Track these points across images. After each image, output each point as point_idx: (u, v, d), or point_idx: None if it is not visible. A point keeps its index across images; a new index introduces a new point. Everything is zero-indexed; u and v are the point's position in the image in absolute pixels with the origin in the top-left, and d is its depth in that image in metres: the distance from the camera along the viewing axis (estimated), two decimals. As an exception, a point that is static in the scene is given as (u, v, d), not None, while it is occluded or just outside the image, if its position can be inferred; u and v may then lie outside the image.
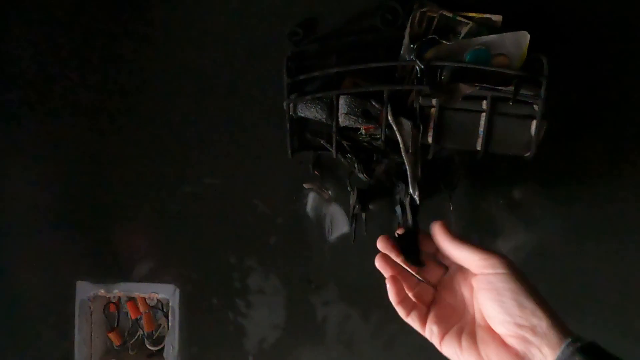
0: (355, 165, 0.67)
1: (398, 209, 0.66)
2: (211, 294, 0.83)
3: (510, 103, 0.62)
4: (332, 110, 0.67)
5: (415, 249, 0.45)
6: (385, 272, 0.45)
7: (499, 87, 0.62)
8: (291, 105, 0.69)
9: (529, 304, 0.36)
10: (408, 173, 0.65)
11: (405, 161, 0.65)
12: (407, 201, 0.67)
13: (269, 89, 0.76)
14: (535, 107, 0.63)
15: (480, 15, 0.66)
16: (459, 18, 0.66)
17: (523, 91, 0.62)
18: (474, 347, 0.38)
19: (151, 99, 0.80)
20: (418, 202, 0.67)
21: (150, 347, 0.90)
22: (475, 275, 0.40)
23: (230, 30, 0.77)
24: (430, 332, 0.42)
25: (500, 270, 0.38)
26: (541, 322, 0.35)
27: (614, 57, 0.71)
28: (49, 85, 0.81)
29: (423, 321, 0.42)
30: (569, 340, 0.34)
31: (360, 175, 0.67)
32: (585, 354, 0.33)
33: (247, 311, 0.83)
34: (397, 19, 0.70)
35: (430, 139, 0.66)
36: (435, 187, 0.74)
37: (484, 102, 0.64)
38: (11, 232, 0.85)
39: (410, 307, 0.43)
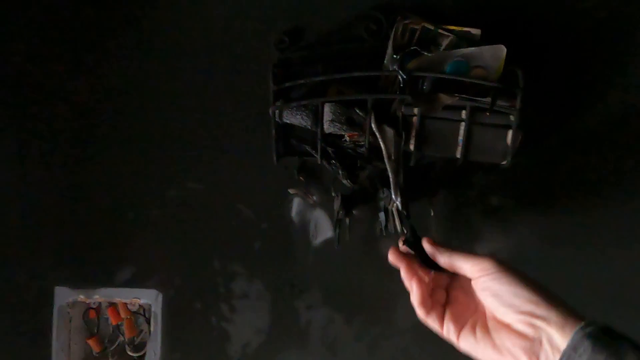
0: (340, 171, 0.68)
1: (382, 214, 0.68)
2: (194, 299, 0.83)
3: (487, 114, 0.65)
4: (317, 117, 0.68)
5: (425, 254, 0.47)
6: (402, 266, 0.47)
7: (477, 98, 0.65)
8: (277, 111, 0.70)
9: (524, 293, 0.39)
10: (390, 179, 0.67)
11: (388, 168, 0.67)
12: (391, 207, 0.69)
13: (254, 95, 0.77)
14: (511, 117, 0.66)
15: (460, 29, 0.69)
16: (440, 31, 0.69)
17: (500, 102, 0.65)
18: (488, 336, 0.41)
19: (136, 103, 0.80)
20: (400, 207, 0.69)
21: (131, 354, 0.89)
22: (471, 279, 0.44)
23: (217, 36, 0.77)
24: (447, 330, 0.44)
25: (491, 271, 0.41)
26: (539, 307, 0.38)
27: (588, 68, 0.75)
28: (27, 85, 0.80)
29: (441, 320, 0.44)
30: (581, 324, 0.36)
31: (344, 181, 0.68)
32: (594, 339, 0.35)
33: (231, 316, 0.83)
34: (381, 30, 0.72)
35: (412, 147, 0.68)
36: (416, 193, 0.76)
37: (463, 112, 0.66)
38: (-13, 236, 0.83)
39: (429, 307, 0.45)
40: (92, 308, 0.89)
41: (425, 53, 0.67)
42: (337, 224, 0.75)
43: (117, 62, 0.79)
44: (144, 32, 0.78)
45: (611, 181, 0.76)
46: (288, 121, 0.70)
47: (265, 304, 0.82)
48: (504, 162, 0.69)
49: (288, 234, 0.80)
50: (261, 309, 0.82)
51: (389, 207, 0.69)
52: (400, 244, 0.49)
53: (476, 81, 0.65)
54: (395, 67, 0.67)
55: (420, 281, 0.45)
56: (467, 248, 0.78)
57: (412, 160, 0.69)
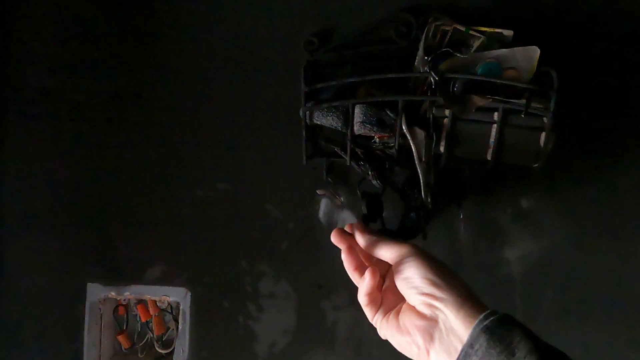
0: (369, 172, 0.68)
1: (413, 215, 0.68)
2: (222, 298, 0.84)
3: (522, 115, 0.65)
4: (348, 118, 0.69)
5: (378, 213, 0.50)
6: (342, 245, 0.49)
7: (510, 100, 0.64)
8: (308, 113, 0.70)
9: (430, 275, 0.41)
10: (421, 181, 0.67)
11: (419, 169, 0.67)
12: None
13: (283, 96, 0.78)
14: (545, 119, 0.65)
15: (492, 30, 0.68)
16: (471, 32, 0.68)
17: (533, 104, 0.64)
18: (396, 319, 0.43)
19: (167, 104, 0.82)
20: (430, 209, 0.68)
21: (159, 350, 0.90)
22: (392, 265, 0.45)
23: (248, 39, 0.79)
24: (377, 317, 0.46)
25: (406, 256, 0.43)
26: (439, 289, 0.40)
27: (621, 71, 0.73)
28: (62, 87, 0.83)
29: (377, 308, 0.46)
30: (480, 317, 0.37)
31: (374, 182, 0.68)
32: (490, 333, 0.36)
33: (258, 315, 0.84)
34: (410, 32, 0.73)
35: (442, 149, 0.68)
36: (445, 195, 0.76)
37: (496, 113, 0.66)
38: (22, 233, 0.86)
39: (373, 299, 0.46)
40: (122, 305, 0.91)
41: (457, 54, 0.67)
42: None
43: (145, 64, 0.81)
44: (178, 37, 0.80)
45: (646, 185, 0.74)
46: (319, 122, 0.71)
47: (292, 304, 0.82)
48: (535, 165, 0.68)
49: (315, 234, 0.81)
50: (288, 309, 0.82)
51: (419, 208, 0.68)
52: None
53: (509, 83, 0.64)
54: (427, 68, 0.67)
55: (374, 272, 0.45)
56: (495, 252, 0.78)
57: (442, 162, 0.69)
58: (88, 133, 0.84)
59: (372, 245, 0.47)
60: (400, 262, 0.43)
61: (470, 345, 0.36)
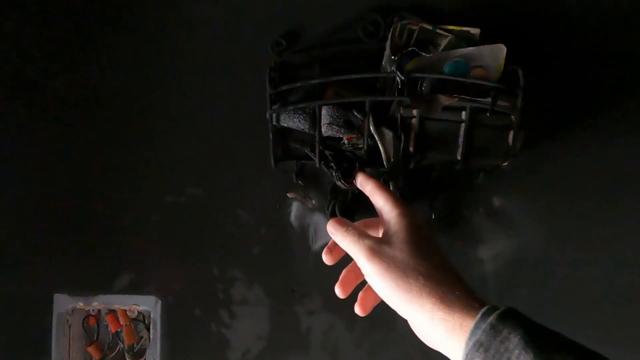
0: (333, 174, 0.67)
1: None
2: (194, 305, 0.82)
3: (488, 114, 0.64)
4: (315, 120, 0.67)
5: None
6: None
7: (478, 99, 0.64)
8: (274, 115, 0.69)
9: (389, 295, 0.39)
10: (390, 182, 0.66)
11: (387, 170, 0.66)
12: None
13: (251, 98, 0.76)
14: (513, 117, 0.65)
15: (459, 28, 0.68)
16: (438, 31, 0.68)
17: (501, 102, 0.64)
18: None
19: (131, 108, 0.79)
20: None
21: (130, 361, 0.88)
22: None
23: (214, 40, 0.77)
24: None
25: (383, 248, 0.41)
26: (402, 307, 0.38)
27: (590, 68, 0.73)
28: (24, 86, 0.80)
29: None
30: (470, 330, 0.33)
31: (338, 183, 0.67)
32: (485, 351, 0.31)
33: (231, 322, 0.82)
34: (378, 31, 0.72)
35: (411, 149, 0.67)
36: (416, 196, 0.75)
37: (464, 112, 0.65)
38: (-15, 244, 0.83)
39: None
40: (92, 315, 0.89)
41: (424, 54, 0.66)
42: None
43: (112, 66, 0.78)
44: (139, 36, 0.78)
45: (614, 181, 0.75)
46: (286, 125, 0.70)
47: (265, 309, 0.81)
48: (505, 163, 0.67)
49: (287, 238, 0.79)
50: (261, 315, 0.81)
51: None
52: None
53: (476, 81, 0.64)
54: (393, 68, 0.66)
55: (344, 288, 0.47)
56: (469, 251, 0.77)
57: (411, 163, 0.68)
58: (49, 139, 0.81)
59: (372, 192, 0.48)
60: (372, 255, 0.40)
61: None
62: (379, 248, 0.40)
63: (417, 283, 0.36)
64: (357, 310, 0.47)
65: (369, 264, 0.40)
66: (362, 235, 0.43)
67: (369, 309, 0.47)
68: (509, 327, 0.31)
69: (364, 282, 0.46)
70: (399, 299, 0.37)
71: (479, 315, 0.33)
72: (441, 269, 0.38)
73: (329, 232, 0.48)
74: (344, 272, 0.49)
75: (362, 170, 0.53)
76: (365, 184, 0.50)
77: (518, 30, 0.72)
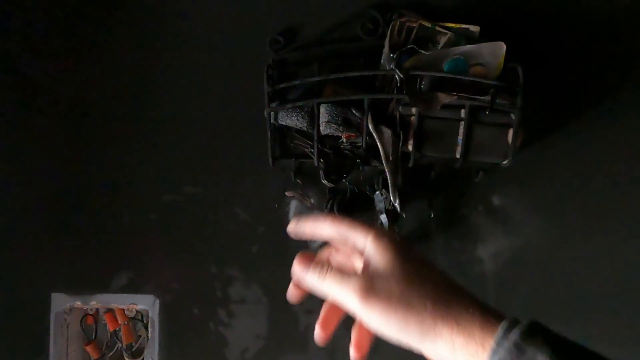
0: (320, 171, 0.67)
1: (383, 217, 0.66)
2: (192, 304, 0.82)
3: (487, 112, 0.64)
4: (313, 118, 0.67)
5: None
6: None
7: (477, 97, 0.63)
8: (272, 113, 0.68)
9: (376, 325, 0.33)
10: (389, 181, 0.66)
11: (386, 169, 0.65)
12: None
13: (250, 96, 0.76)
14: (512, 115, 0.64)
15: (458, 26, 0.67)
16: (437, 28, 0.67)
17: (500, 100, 0.63)
18: None
19: (130, 107, 0.79)
20: (399, 209, 0.67)
21: (128, 360, 0.88)
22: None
23: (212, 38, 0.76)
24: None
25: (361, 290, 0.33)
26: (393, 335, 0.32)
27: (589, 66, 0.73)
28: (24, 85, 0.79)
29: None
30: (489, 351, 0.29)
31: (323, 181, 0.67)
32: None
33: (229, 321, 0.82)
34: (377, 28, 0.71)
35: (410, 147, 0.67)
36: (415, 195, 0.75)
37: (463, 110, 0.65)
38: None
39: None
40: (90, 314, 0.88)
41: (423, 51, 0.66)
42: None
43: (113, 65, 0.78)
44: (139, 34, 0.77)
45: (614, 179, 0.74)
46: (284, 123, 0.69)
47: (263, 308, 0.80)
48: (504, 162, 0.67)
49: (286, 237, 0.79)
50: (259, 314, 0.81)
51: (389, 210, 0.67)
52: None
53: (475, 79, 0.63)
54: (392, 66, 0.65)
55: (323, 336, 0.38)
56: (468, 250, 0.77)
57: (410, 161, 0.68)
58: (47, 139, 0.80)
59: (331, 228, 0.36)
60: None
61: None
62: (371, 285, 0.33)
63: (426, 312, 0.31)
64: (354, 354, 0.38)
65: (366, 308, 0.32)
66: (343, 274, 0.34)
67: (367, 347, 0.39)
68: (534, 345, 0.28)
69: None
70: (410, 335, 0.31)
71: (500, 332, 0.29)
72: (444, 285, 0.33)
73: (297, 276, 0.37)
74: (323, 308, 0.39)
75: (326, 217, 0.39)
76: (321, 227, 0.37)
77: (518, 27, 0.71)
